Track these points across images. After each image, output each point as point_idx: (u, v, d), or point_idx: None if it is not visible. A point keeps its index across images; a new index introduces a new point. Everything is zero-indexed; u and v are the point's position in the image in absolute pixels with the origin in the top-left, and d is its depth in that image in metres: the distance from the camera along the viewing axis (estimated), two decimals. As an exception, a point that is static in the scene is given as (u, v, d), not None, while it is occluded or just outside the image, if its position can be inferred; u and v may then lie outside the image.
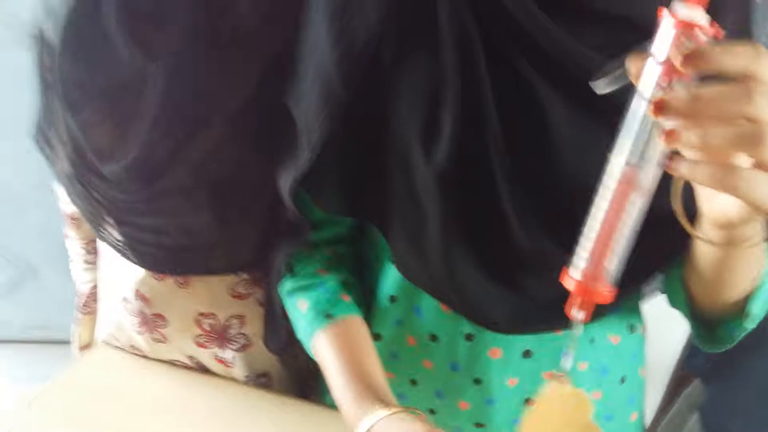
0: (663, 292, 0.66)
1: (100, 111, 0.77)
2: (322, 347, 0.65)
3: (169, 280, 0.81)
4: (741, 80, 0.34)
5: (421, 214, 0.61)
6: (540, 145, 0.57)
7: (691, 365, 0.87)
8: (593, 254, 0.42)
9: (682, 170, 0.37)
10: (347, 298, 0.68)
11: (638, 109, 0.38)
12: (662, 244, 0.55)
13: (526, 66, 0.56)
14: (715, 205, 0.42)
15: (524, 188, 0.58)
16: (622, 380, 0.69)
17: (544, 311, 0.61)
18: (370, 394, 0.59)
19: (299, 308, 0.69)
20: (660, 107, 0.35)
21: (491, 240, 0.60)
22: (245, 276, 0.81)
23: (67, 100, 0.77)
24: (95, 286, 0.95)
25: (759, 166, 0.35)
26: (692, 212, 0.44)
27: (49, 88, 0.81)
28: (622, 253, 0.42)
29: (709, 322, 0.61)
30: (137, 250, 0.79)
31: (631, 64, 0.38)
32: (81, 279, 0.96)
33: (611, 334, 0.66)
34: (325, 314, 0.66)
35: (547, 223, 0.58)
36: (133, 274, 0.82)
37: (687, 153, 0.37)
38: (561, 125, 0.56)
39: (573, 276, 0.43)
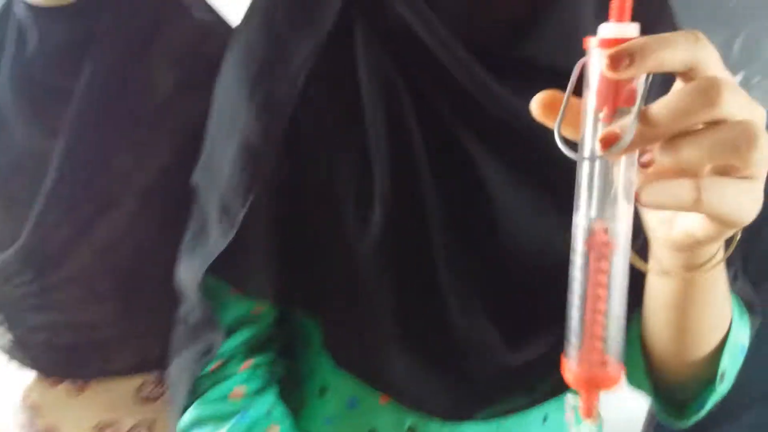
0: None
1: (-10, 192, 0.69)
2: None
3: (64, 386, 0.71)
4: (685, 76, 0.30)
5: (354, 295, 0.55)
6: (480, 215, 0.53)
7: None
8: (585, 335, 0.35)
9: (651, 200, 0.31)
10: (278, 414, 0.59)
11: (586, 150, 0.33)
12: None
13: (462, 128, 0.52)
14: (677, 226, 0.37)
15: (464, 265, 0.53)
16: None
17: (490, 395, 0.56)
18: None
19: None
20: (608, 140, 0.30)
21: (430, 322, 0.55)
22: (153, 376, 0.72)
23: None
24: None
25: (729, 172, 0.31)
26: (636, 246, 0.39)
27: None
28: (619, 323, 0.35)
29: (674, 392, 0.56)
30: (27, 351, 0.70)
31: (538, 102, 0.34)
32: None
33: (565, 412, 0.61)
34: None
35: (489, 304, 0.54)
36: (22, 380, 0.72)
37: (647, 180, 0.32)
38: (502, 193, 0.52)
39: (571, 367, 0.35)
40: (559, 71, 0.49)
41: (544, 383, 0.56)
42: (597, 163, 0.32)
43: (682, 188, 0.30)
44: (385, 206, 0.52)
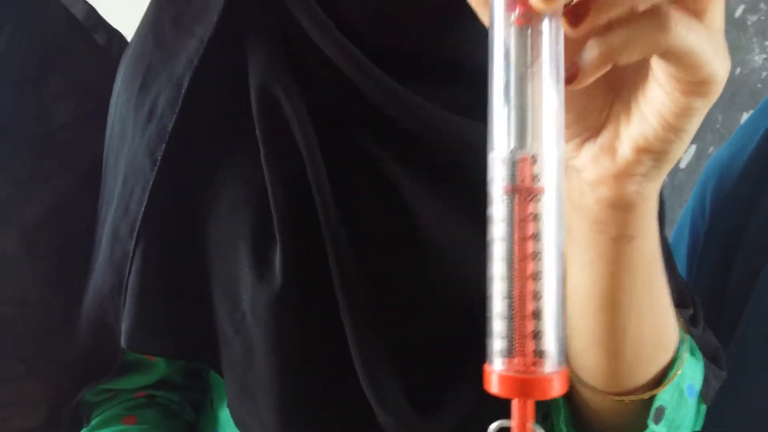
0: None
1: None
2: None
3: None
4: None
5: (250, 350, 0.45)
6: (404, 255, 0.45)
7: None
8: (516, 330, 0.25)
9: (593, 55, 0.25)
10: None
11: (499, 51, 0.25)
12: None
13: (369, 140, 0.45)
14: (623, 143, 0.29)
15: (384, 319, 0.44)
16: None
17: None
18: None
19: None
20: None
21: (335, 385, 0.45)
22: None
23: None
24: None
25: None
26: None
27: None
28: (559, 310, 0.25)
29: None
30: None
31: None
32: None
33: None
34: None
35: (408, 368, 0.44)
36: None
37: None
38: (417, 204, 0.44)
39: (497, 370, 0.25)
40: (469, 71, 0.43)
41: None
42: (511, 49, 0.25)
43: (649, 21, 0.24)
44: (287, 261, 0.43)
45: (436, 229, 0.44)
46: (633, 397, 0.39)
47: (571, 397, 0.44)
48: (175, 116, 0.46)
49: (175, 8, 0.49)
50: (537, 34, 0.24)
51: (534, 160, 0.25)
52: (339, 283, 0.42)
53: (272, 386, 0.44)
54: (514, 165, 0.25)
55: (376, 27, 0.44)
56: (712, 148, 1.39)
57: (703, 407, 0.45)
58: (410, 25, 0.45)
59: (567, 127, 0.29)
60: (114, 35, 0.67)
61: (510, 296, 0.25)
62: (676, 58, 0.25)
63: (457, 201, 0.44)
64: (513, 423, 0.26)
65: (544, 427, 0.44)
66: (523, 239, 0.25)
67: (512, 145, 0.25)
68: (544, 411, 0.47)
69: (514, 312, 0.25)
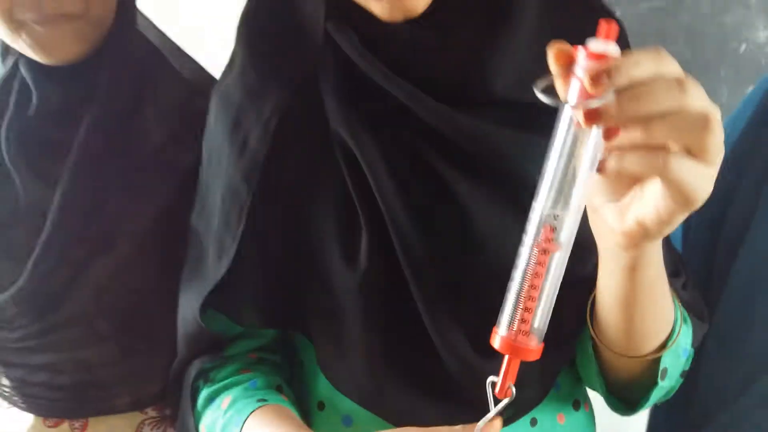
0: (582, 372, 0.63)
1: (-14, 242, 0.71)
2: (253, 430, 0.56)
3: (64, 426, 0.71)
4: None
5: (341, 320, 0.58)
6: (459, 241, 0.56)
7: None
8: (519, 309, 0.41)
9: (613, 165, 0.36)
10: (282, 394, 0.62)
11: (560, 140, 0.38)
12: (579, 303, 0.56)
13: (435, 159, 0.56)
14: (629, 215, 0.40)
15: (446, 291, 0.56)
16: None
17: (476, 410, 0.56)
18: None
19: (221, 407, 0.60)
20: (592, 116, 0.34)
21: (413, 346, 0.57)
22: (152, 414, 0.73)
23: None
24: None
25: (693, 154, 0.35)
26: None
27: None
28: (547, 309, 0.41)
29: (622, 389, 0.60)
30: (27, 395, 0.71)
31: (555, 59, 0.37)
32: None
33: (556, 413, 0.61)
34: (258, 399, 0.59)
35: (469, 327, 0.56)
36: (21, 424, 0.72)
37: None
38: (480, 218, 0.56)
39: (501, 333, 0.41)
40: (510, 101, 0.55)
41: (527, 392, 0.58)
42: (568, 132, 0.37)
43: (653, 156, 0.35)
44: (371, 253, 0.55)
45: (483, 220, 0.55)
46: (645, 358, 0.54)
47: (598, 355, 0.57)
48: (264, 151, 0.58)
49: (259, 64, 0.60)
50: (585, 134, 0.37)
51: (556, 220, 0.39)
52: (406, 265, 0.54)
53: (361, 347, 0.57)
54: (541, 221, 0.39)
55: (423, 68, 0.56)
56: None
57: (692, 351, 0.59)
58: (449, 66, 0.56)
59: (603, 188, 0.41)
60: (198, 69, 0.79)
61: (519, 293, 0.41)
62: (669, 183, 0.36)
63: (499, 197, 0.55)
64: (501, 373, 0.42)
65: (569, 371, 0.59)
66: (536, 265, 0.40)
67: (549, 205, 0.39)
68: (572, 357, 0.61)
69: (519, 303, 0.41)
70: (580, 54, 0.36)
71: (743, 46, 1.44)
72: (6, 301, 0.69)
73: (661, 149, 0.35)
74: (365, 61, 0.56)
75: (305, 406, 0.63)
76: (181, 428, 0.66)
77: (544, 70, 0.55)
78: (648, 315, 0.51)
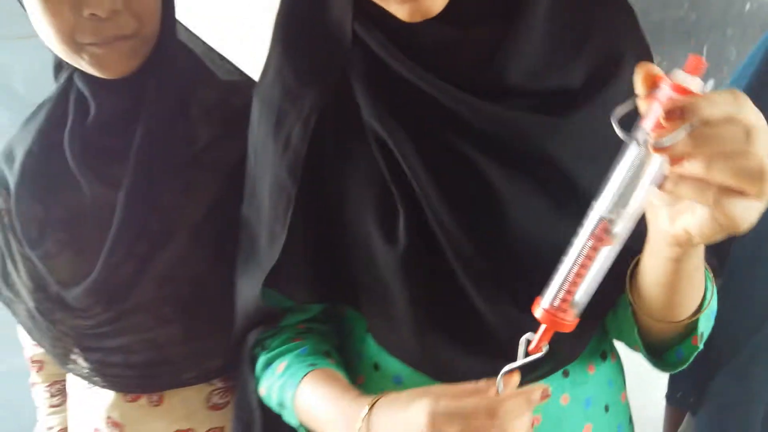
0: (614, 331, 0.70)
1: (60, 241, 0.79)
2: (307, 392, 0.63)
3: (142, 400, 0.79)
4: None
5: (387, 293, 0.64)
6: (487, 213, 0.61)
7: (673, 401, 0.88)
8: (563, 290, 0.47)
9: (670, 188, 0.40)
10: (330, 358, 0.69)
11: (629, 158, 0.43)
12: (619, 273, 0.59)
13: (461, 143, 0.61)
14: (678, 223, 0.45)
15: (479, 255, 0.61)
16: (606, 409, 0.69)
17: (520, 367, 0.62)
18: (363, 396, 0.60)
19: (276, 372, 0.68)
20: (660, 147, 0.39)
21: (456, 310, 0.63)
22: (219, 384, 0.80)
23: (26, 237, 0.79)
24: (63, 430, 0.90)
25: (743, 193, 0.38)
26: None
27: (6, 229, 0.82)
28: (590, 289, 0.47)
29: (659, 349, 0.65)
30: (107, 374, 0.78)
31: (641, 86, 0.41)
32: (47, 425, 0.92)
33: (586, 364, 0.68)
34: (309, 363, 0.66)
35: (505, 288, 0.61)
36: (103, 401, 0.80)
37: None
38: (503, 191, 0.61)
39: (544, 305, 0.48)
40: (527, 90, 0.61)
41: (563, 350, 0.64)
42: (637, 155, 0.42)
43: (708, 189, 0.39)
44: (408, 230, 0.61)
45: (514, 201, 0.60)
46: (681, 323, 0.60)
47: (639, 320, 0.63)
48: (305, 146, 0.64)
49: (295, 65, 0.66)
50: (651, 156, 0.41)
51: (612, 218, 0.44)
52: (442, 237, 0.60)
53: (407, 315, 0.63)
54: (600, 219, 0.44)
55: (447, 61, 0.61)
56: (728, 82, 1.50)
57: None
58: (469, 59, 0.61)
59: (661, 196, 0.44)
60: (233, 70, 0.86)
61: (566, 275, 0.47)
62: (718, 212, 0.39)
63: (523, 176, 0.60)
64: (536, 338, 0.49)
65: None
66: (587, 255, 0.46)
67: (609, 209, 0.44)
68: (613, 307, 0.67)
69: (563, 285, 0.47)
70: (665, 83, 0.39)
71: (748, 5, 1.45)
72: (81, 293, 0.76)
73: (717, 186, 0.38)
74: (393, 58, 0.61)
75: (360, 368, 0.70)
76: (242, 391, 0.73)
77: (557, 61, 0.62)
78: (686, 293, 0.57)
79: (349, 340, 0.72)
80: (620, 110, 0.42)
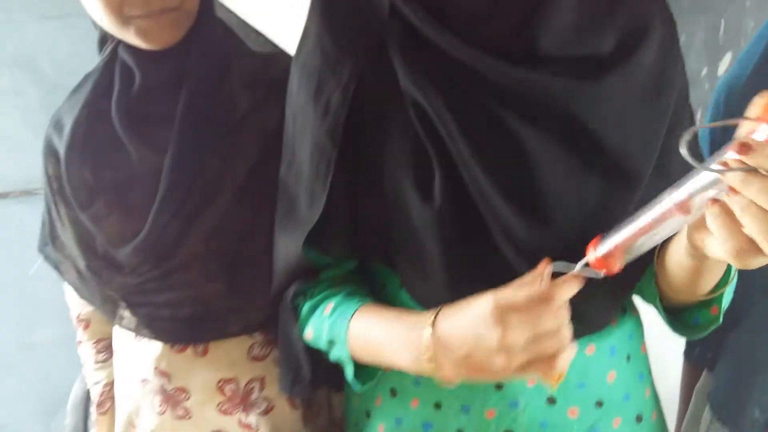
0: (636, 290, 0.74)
1: (109, 204, 0.84)
2: (360, 324, 0.68)
3: (188, 351, 0.84)
4: None
5: (421, 249, 0.68)
6: (519, 173, 0.64)
7: (691, 358, 0.91)
8: (621, 244, 0.54)
9: (714, 222, 0.46)
10: (368, 298, 0.73)
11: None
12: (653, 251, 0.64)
13: (495, 106, 0.64)
14: (700, 236, 0.51)
15: (512, 213, 0.64)
16: (628, 358, 0.73)
17: None
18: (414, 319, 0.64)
19: (324, 314, 0.72)
20: (745, 148, 0.43)
21: (488, 265, 0.66)
22: (260, 337, 0.85)
23: (76, 201, 0.84)
24: (108, 385, 0.96)
25: None
26: None
27: (55, 193, 0.87)
28: (644, 250, 0.53)
29: (678, 309, 0.70)
30: (155, 327, 0.83)
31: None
32: (94, 380, 0.97)
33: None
34: (357, 300, 0.70)
35: (536, 242, 0.64)
36: (151, 352, 0.85)
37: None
38: (535, 152, 0.64)
39: (600, 249, 0.55)
40: (559, 57, 0.64)
41: (595, 316, 0.68)
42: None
43: (741, 236, 0.45)
44: (444, 189, 0.64)
45: (544, 161, 0.63)
46: (704, 298, 0.64)
47: (661, 289, 0.67)
48: (345, 112, 0.67)
49: (333, 33, 0.69)
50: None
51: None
52: (477, 194, 0.63)
53: (441, 270, 0.66)
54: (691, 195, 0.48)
55: (482, 29, 0.65)
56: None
57: None
58: (502, 26, 0.64)
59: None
60: (266, 43, 0.90)
61: (632, 231, 0.52)
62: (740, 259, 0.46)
63: (557, 137, 0.63)
64: (602, 251, 0.55)
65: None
66: (659, 218, 0.51)
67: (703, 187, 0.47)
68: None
69: (625, 238, 0.53)
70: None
71: (767, -25, 1.47)
72: (130, 252, 0.81)
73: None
74: (429, 27, 0.65)
75: None
76: (284, 340, 0.77)
77: (587, 29, 0.66)
78: (708, 277, 0.61)
79: (382, 296, 0.76)
80: (687, 135, 0.46)
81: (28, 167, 1.86)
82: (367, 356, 0.68)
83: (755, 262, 0.45)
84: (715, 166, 0.44)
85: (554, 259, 0.58)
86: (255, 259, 0.82)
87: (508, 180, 0.64)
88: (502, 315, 0.55)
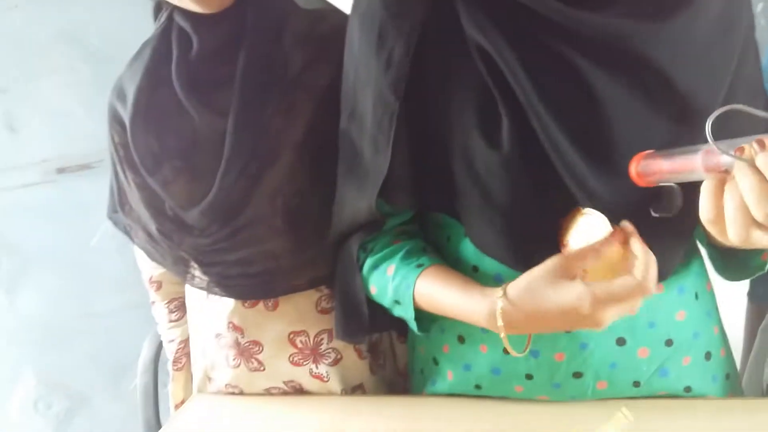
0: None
1: (176, 168, 0.86)
2: (425, 288, 0.70)
3: (259, 306, 0.87)
4: None
5: (487, 196, 0.68)
6: (587, 116, 0.64)
7: (755, 298, 0.91)
8: (659, 170, 0.56)
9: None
10: (430, 253, 0.75)
11: None
12: None
13: (561, 49, 0.63)
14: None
15: (580, 156, 0.64)
16: (696, 296, 0.74)
17: None
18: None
19: (387, 274, 0.74)
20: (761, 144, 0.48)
21: (556, 211, 0.66)
22: (326, 291, 0.88)
23: (143, 165, 0.87)
24: (183, 342, 1.00)
25: None
26: None
27: (123, 161, 0.90)
28: (679, 181, 0.55)
29: (727, 259, 0.72)
30: (227, 285, 0.86)
31: None
32: (168, 337, 1.02)
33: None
34: (416, 264, 0.72)
35: (605, 187, 0.64)
36: (224, 308, 0.89)
37: None
38: (604, 94, 0.63)
39: (639, 168, 0.57)
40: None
41: (659, 253, 0.66)
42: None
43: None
44: (511, 135, 0.65)
45: (614, 103, 0.63)
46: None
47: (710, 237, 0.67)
48: (408, 63, 0.67)
49: None
50: None
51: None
52: (545, 139, 0.63)
53: (507, 216, 0.68)
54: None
55: None
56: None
57: None
58: None
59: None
60: (318, 1, 0.90)
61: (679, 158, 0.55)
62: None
63: (629, 84, 0.63)
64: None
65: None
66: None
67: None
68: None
69: (659, 166, 0.56)
70: None
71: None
72: (198, 214, 0.84)
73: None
74: None
75: (459, 271, 0.74)
76: (343, 288, 0.80)
77: None
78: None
79: (446, 246, 0.78)
80: (712, 117, 0.49)
81: (84, 142, 1.92)
82: (435, 313, 0.71)
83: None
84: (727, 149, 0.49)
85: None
86: (319, 214, 0.84)
87: (576, 125, 0.63)
88: (599, 306, 0.57)
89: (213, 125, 0.83)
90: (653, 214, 0.59)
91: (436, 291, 0.70)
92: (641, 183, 0.58)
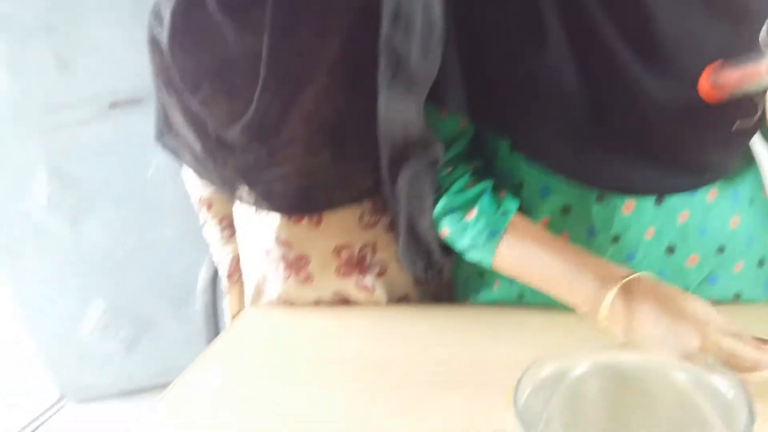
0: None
1: (214, 87, 0.87)
2: (515, 248, 0.70)
3: (305, 222, 0.90)
4: None
5: (540, 101, 0.67)
6: (638, 12, 0.62)
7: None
8: (730, 79, 0.55)
9: None
10: (503, 194, 0.74)
11: None
12: None
13: None
14: None
15: (634, 58, 0.62)
16: (751, 202, 0.72)
17: (674, 172, 0.66)
18: (602, 266, 0.65)
19: (465, 219, 0.74)
20: None
21: (608, 115, 0.65)
22: (369, 204, 0.89)
23: (185, 85, 0.88)
24: (235, 258, 1.04)
25: None
26: None
27: (165, 83, 0.92)
28: (752, 90, 0.54)
29: None
30: (272, 201, 0.89)
31: None
32: (222, 253, 1.06)
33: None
34: (502, 212, 0.72)
35: (659, 89, 0.62)
36: (271, 225, 0.91)
37: None
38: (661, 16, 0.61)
39: (712, 84, 0.57)
40: None
41: (717, 164, 0.67)
42: None
43: None
44: (559, 34, 0.63)
45: (669, 20, 0.61)
46: None
47: None
48: None
49: None
50: None
51: None
52: (601, 44, 0.62)
53: (560, 119, 0.66)
54: None
55: None
56: None
57: None
58: None
59: None
60: None
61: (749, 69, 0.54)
62: None
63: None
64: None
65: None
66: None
67: None
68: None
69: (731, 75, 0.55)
70: None
71: None
72: (238, 132, 0.85)
73: None
74: None
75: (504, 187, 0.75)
76: (409, 226, 0.79)
77: None
78: None
79: (492, 164, 0.77)
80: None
81: (130, 77, 1.96)
82: (513, 274, 0.71)
83: None
84: None
85: None
86: (356, 132, 0.84)
87: (626, 22, 0.62)
88: (711, 344, 0.56)
89: (248, 45, 0.83)
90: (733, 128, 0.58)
91: (533, 258, 0.69)
92: (713, 97, 0.57)
